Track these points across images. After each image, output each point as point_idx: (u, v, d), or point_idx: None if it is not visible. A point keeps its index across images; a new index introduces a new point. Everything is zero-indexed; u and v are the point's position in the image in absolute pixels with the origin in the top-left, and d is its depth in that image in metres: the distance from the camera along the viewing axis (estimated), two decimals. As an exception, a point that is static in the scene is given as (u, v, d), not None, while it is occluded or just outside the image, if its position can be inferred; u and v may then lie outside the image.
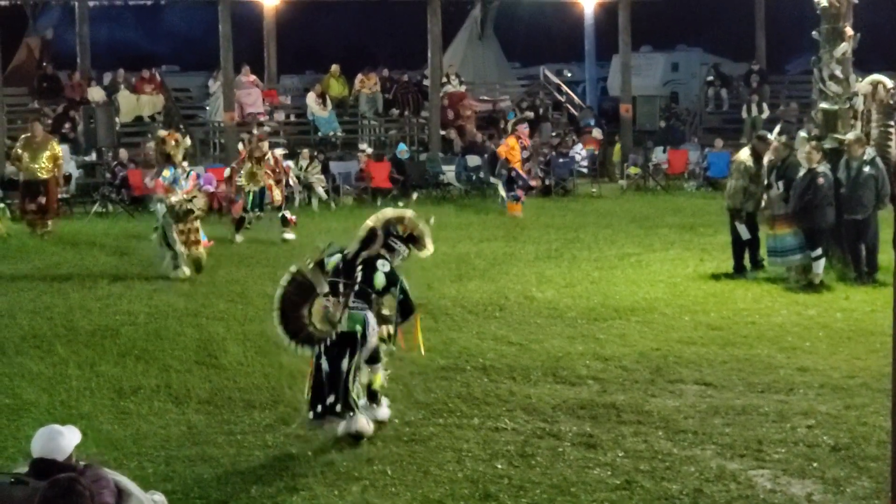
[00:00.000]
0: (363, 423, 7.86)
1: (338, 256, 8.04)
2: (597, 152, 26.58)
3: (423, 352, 8.52)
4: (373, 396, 8.13)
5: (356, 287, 7.89)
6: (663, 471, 7.26)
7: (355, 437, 7.82)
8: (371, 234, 7.97)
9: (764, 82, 28.52)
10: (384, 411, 8.18)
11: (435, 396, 8.91)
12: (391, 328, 8.11)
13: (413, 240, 8.12)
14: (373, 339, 7.96)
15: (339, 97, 27.29)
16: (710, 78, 29.51)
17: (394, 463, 7.46)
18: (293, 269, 8.14)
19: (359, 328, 7.86)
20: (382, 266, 7.88)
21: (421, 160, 25.23)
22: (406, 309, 8.03)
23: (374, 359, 8.10)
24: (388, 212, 8.24)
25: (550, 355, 10.15)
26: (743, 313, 11.81)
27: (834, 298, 12.50)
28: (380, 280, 7.85)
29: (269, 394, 9.07)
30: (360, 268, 7.91)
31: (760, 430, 7.99)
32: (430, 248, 8.21)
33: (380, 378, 8.16)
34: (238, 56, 25.85)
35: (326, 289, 7.97)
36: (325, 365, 7.80)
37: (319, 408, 7.81)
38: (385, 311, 8.07)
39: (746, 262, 13.94)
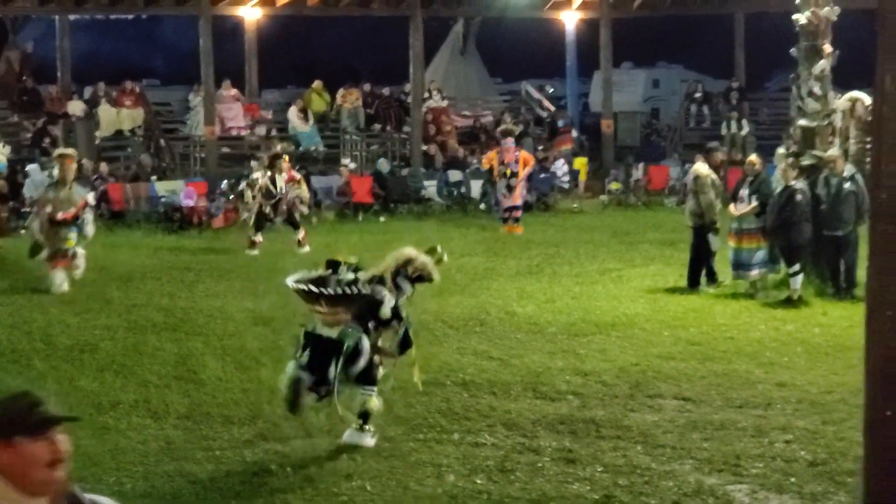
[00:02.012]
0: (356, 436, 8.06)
1: (350, 276, 8.16)
2: (570, 147, 26.72)
3: (419, 386, 8.70)
4: (364, 417, 8.12)
5: (358, 308, 8.01)
6: (642, 485, 7.28)
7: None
8: (379, 279, 8.17)
9: (743, 99, 28.65)
10: (368, 440, 8.11)
11: (415, 411, 8.91)
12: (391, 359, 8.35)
13: (420, 279, 8.36)
14: (361, 361, 7.98)
15: (321, 112, 27.28)
16: (699, 95, 29.52)
17: (373, 478, 7.45)
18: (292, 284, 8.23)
19: (350, 343, 7.90)
20: (389, 301, 8.08)
21: (402, 175, 25.23)
22: (405, 344, 8.28)
23: (369, 381, 8.12)
24: (405, 254, 8.32)
25: (531, 370, 10.16)
26: (722, 328, 11.86)
27: (812, 314, 12.57)
28: (386, 312, 8.06)
29: (248, 409, 9.05)
30: (364, 291, 8.04)
31: (738, 445, 8.02)
32: (436, 277, 8.47)
33: (374, 401, 8.14)
34: (219, 70, 25.80)
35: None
36: (307, 377, 7.85)
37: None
38: (385, 345, 8.24)
39: (714, 273, 14.10)
